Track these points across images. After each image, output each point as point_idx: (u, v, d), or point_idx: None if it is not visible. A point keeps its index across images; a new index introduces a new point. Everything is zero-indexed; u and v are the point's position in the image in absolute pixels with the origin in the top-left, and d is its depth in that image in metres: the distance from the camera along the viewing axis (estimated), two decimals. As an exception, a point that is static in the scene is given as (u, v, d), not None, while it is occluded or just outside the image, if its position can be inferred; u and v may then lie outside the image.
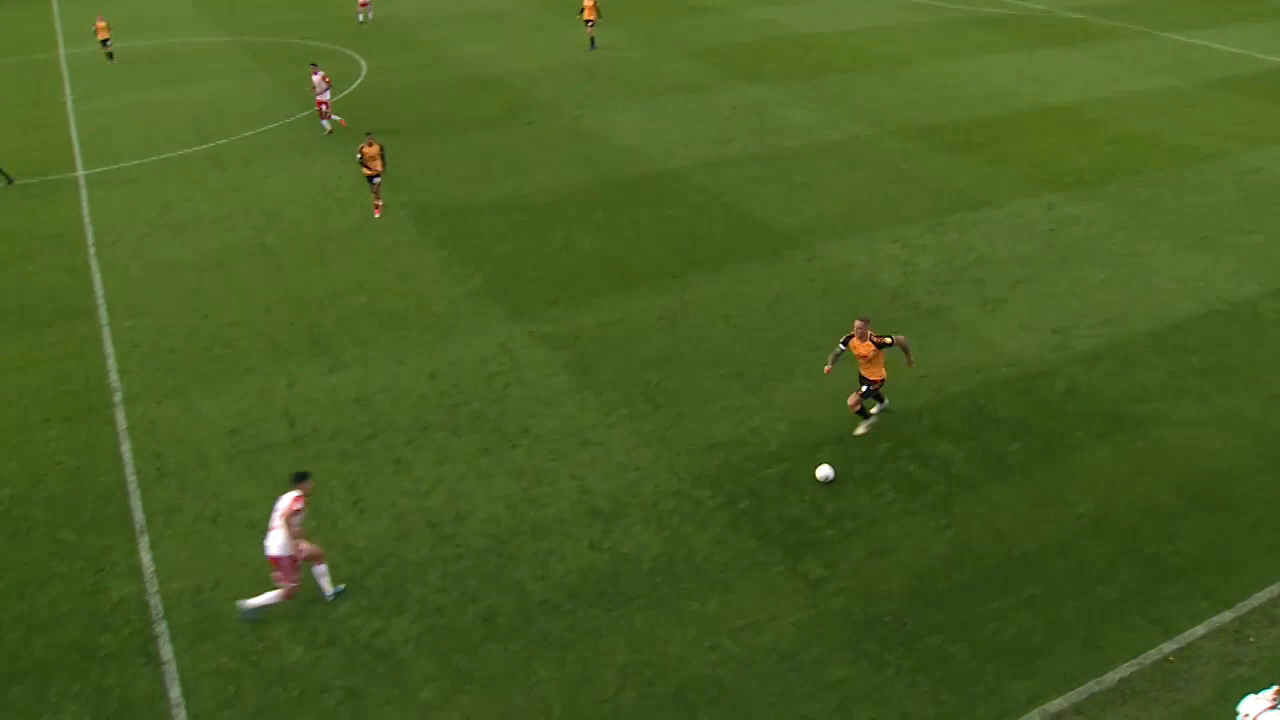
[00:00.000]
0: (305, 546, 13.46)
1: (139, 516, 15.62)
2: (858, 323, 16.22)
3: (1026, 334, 20.05)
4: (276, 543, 13.24)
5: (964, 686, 12.41)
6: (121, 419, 18.05)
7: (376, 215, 26.07)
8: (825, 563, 14.33)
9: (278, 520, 13.21)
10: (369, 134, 26.76)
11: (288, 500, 13.24)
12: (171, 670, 12.91)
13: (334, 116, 33.56)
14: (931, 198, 26.93)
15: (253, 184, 29.26)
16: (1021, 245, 23.92)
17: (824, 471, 15.88)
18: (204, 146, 32.81)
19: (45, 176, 30.57)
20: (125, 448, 17.24)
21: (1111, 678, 12.49)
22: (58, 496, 16.16)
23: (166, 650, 13.20)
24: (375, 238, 25.35)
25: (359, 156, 25.91)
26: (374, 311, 21.60)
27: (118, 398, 18.73)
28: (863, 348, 16.20)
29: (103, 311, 22.00)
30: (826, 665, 12.72)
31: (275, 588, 13.56)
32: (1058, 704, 12.15)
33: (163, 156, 31.92)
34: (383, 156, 26.03)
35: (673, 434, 17.22)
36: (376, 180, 26.06)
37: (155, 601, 13.99)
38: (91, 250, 25.16)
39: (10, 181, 29.85)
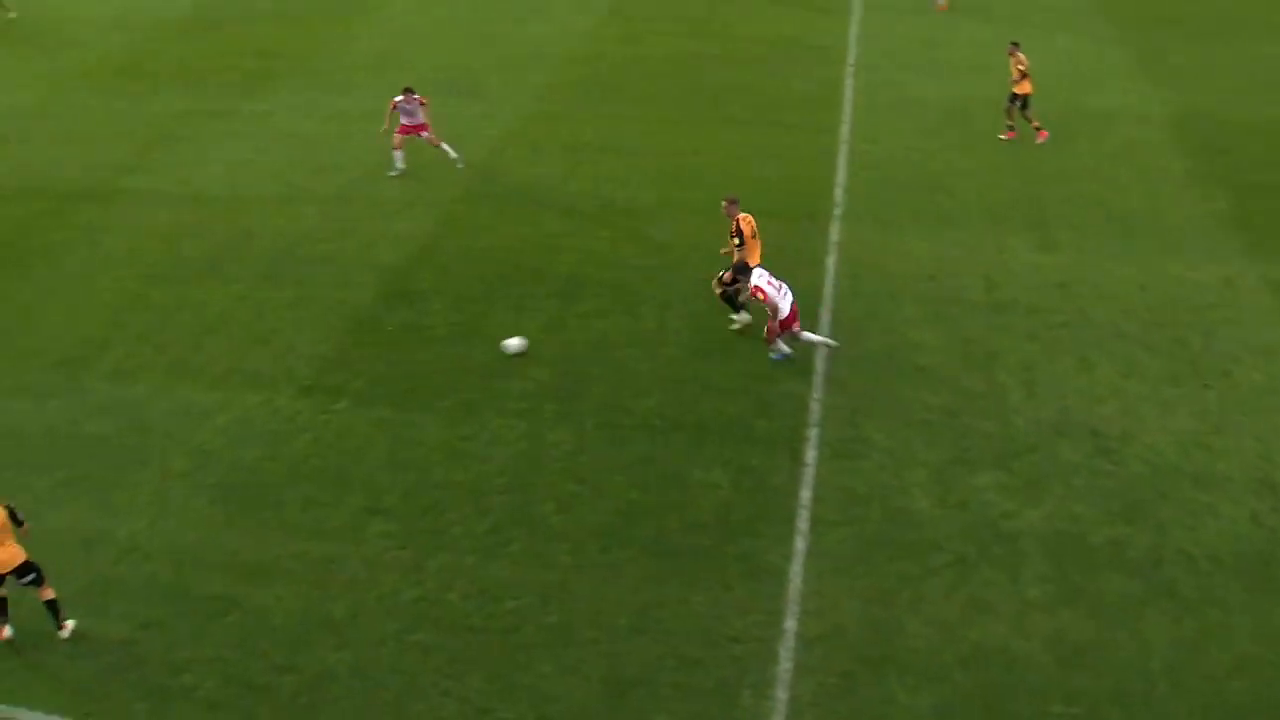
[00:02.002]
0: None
1: (823, 326, 17.08)
2: None
3: None
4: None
5: None
6: (835, 232, 19.66)
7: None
8: None
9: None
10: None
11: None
12: (809, 473, 14.28)
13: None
14: None
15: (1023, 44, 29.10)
16: None
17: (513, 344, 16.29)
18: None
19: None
20: (830, 259, 18.85)
21: None
22: (759, 281, 18.19)
23: (810, 454, 14.59)
24: (1125, 128, 24.15)
25: None
26: (1101, 203, 20.98)
27: (837, 211, 20.38)
28: None
29: (844, 129, 23.79)
30: None
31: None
32: None
33: (940, -5, 32.79)
34: None
35: None
36: None
37: (815, 408, 15.42)
38: (849, 69, 27.07)
39: None
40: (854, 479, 14.18)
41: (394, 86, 26.81)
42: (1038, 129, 23.28)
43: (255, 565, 13.44)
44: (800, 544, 13.24)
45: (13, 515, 12.26)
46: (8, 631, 12.69)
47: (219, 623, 12.69)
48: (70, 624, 12.72)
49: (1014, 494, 13.90)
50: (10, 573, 12.20)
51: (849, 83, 26.27)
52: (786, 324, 15.97)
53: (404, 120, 22.54)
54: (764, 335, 16.37)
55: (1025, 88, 23.04)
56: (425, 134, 22.67)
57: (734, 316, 17.22)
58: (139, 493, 14.75)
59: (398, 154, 22.64)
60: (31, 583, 12.42)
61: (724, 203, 17.06)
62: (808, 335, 16.29)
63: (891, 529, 13.39)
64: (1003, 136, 23.37)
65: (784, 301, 15.82)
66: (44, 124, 27.44)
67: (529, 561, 13.23)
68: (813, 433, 14.99)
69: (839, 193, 21.09)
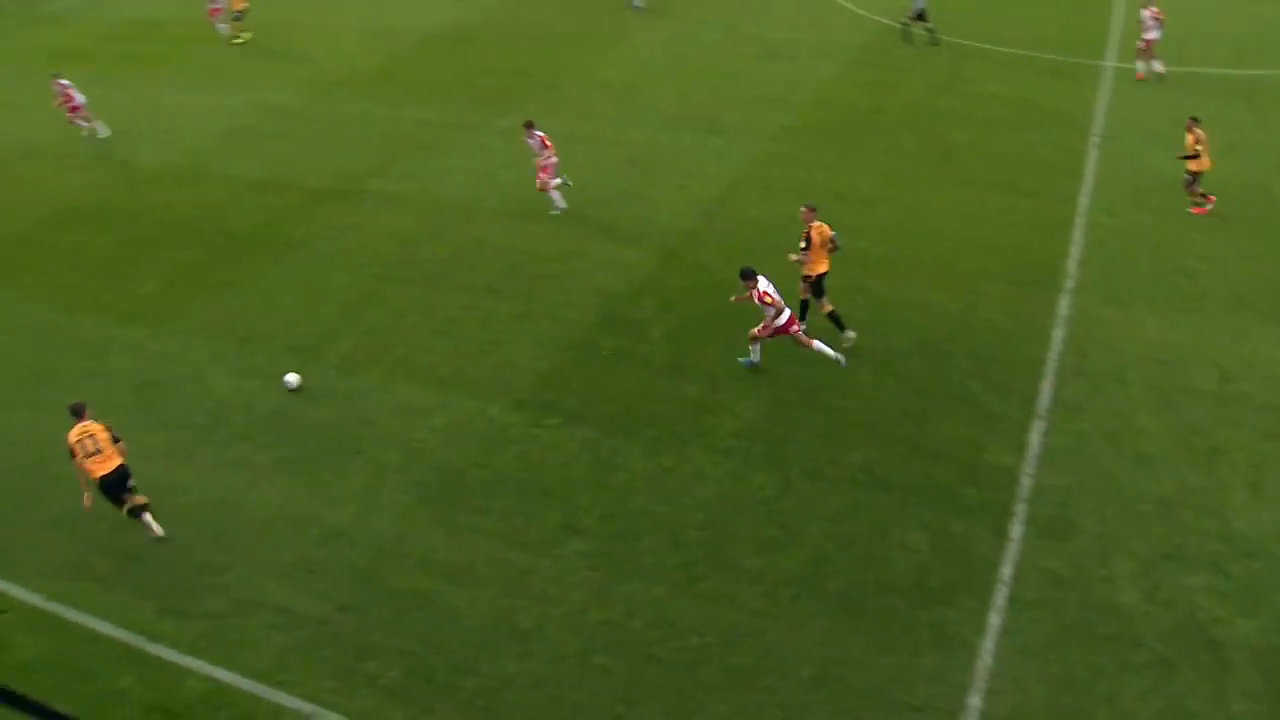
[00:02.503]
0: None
1: (1043, 400, 16.81)
2: None
3: None
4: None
5: None
6: (1064, 305, 19.22)
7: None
8: None
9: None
10: None
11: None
12: (1012, 549, 14.05)
13: None
14: None
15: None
16: None
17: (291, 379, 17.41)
18: (1239, 72, 31.64)
19: (1073, 58, 32.20)
20: (1057, 333, 18.43)
21: None
22: (980, 348, 18.07)
23: (1016, 530, 14.33)
24: None
25: None
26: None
27: (1068, 284, 19.91)
28: None
29: (1083, 200, 23.21)
30: None
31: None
32: None
33: (1194, 69, 31.54)
34: None
35: None
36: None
37: (1026, 482, 15.11)
38: (1094, 139, 26.34)
39: (935, 42, 32.88)
40: (1058, 561, 13.84)
41: (634, 116, 27.82)
42: (1200, 198, 22.27)
43: (451, 565, 14.19)
44: (995, 620, 13.06)
45: (112, 435, 14.55)
46: (158, 529, 14.72)
47: (410, 616, 13.47)
48: (157, 528, 14.68)
49: (1228, 600, 13.28)
50: (114, 475, 14.35)
51: (1092, 153, 25.55)
52: (785, 329, 16.79)
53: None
54: (751, 333, 17.16)
55: (1201, 165, 22.07)
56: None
57: (847, 334, 18.01)
58: (351, 481, 15.77)
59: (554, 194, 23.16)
60: (130, 489, 14.60)
61: (803, 209, 17.64)
62: (819, 345, 17.07)
63: (1092, 618, 13.02)
64: (1194, 210, 22.37)
65: (784, 314, 16.75)
66: (303, 124, 29.61)
67: (718, 600, 13.46)
68: (1020, 508, 14.71)
69: (1072, 265, 20.58)
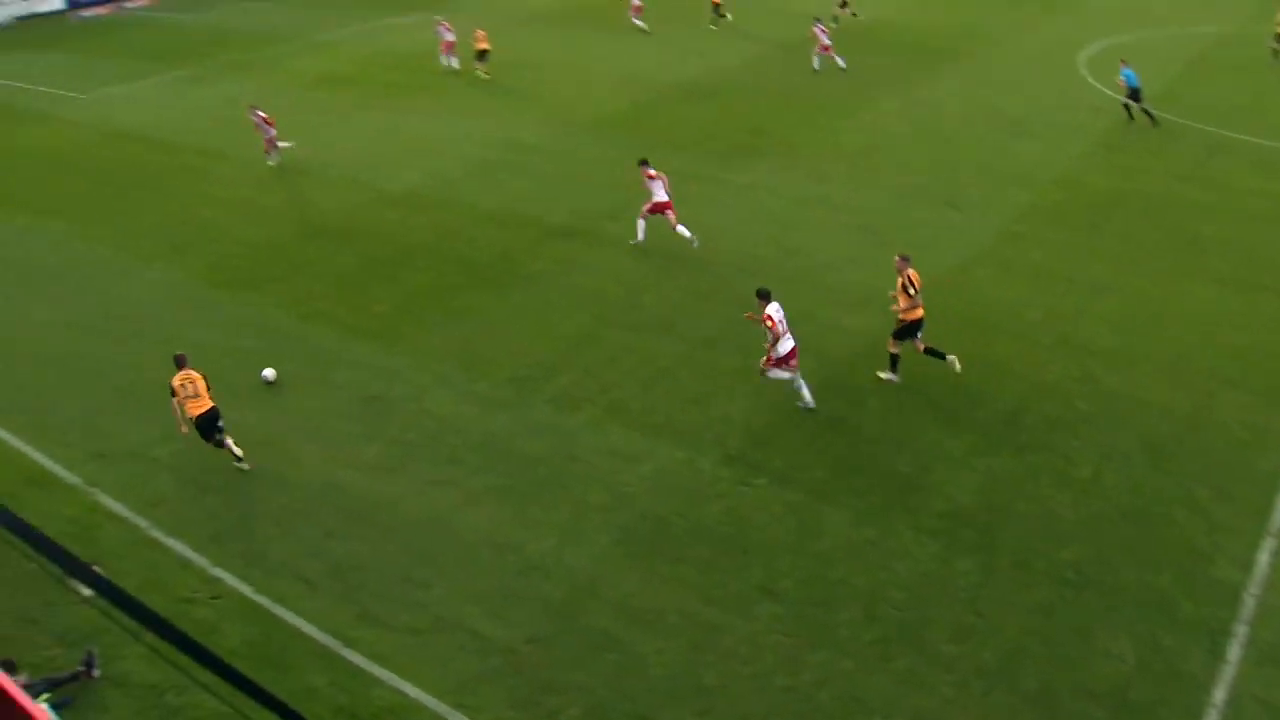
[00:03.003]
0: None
1: (1277, 518, 15.52)
2: None
3: None
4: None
5: None
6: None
7: None
8: None
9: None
10: None
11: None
12: (1228, 673, 13.06)
13: None
14: None
15: None
16: None
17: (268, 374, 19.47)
18: None
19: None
20: (1301, 451, 17.09)
21: None
22: (1211, 455, 17.00)
23: (1234, 653, 13.33)
24: None
25: None
26: None
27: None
28: None
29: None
30: None
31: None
32: None
33: None
34: None
35: None
36: None
37: (1249, 603, 14.09)
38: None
39: (1155, 123, 31.98)
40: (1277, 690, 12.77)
41: (869, 183, 27.70)
42: None
43: (643, 612, 14.22)
44: (1206, 749, 12.13)
45: (207, 382, 17.08)
46: (239, 453, 17.39)
47: (598, 657, 13.55)
48: (239, 452, 17.33)
49: None
50: (206, 416, 16.88)
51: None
52: (784, 360, 17.75)
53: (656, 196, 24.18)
54: (762, 361, 18.09)
55: None
56: (670, 213, 24.17)
57: (949, 358, 18.65)
58: (554, 515, 16.08)
59: (641, 224, 24.42)
60: (221, 429, 17.07)
61: (898, 259, 18.48)
62: (800, 382, 18.11)
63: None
64: None
65: (786, 342, 17.65)
66: (545, 162, 30.76)
67: (909, 682, 13.04)
68: (1241, 629, 13.64)
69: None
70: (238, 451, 17.31)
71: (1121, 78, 32.36)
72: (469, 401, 19.08)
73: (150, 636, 5.59)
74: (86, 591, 14.29)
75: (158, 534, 16.11)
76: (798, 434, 17.70)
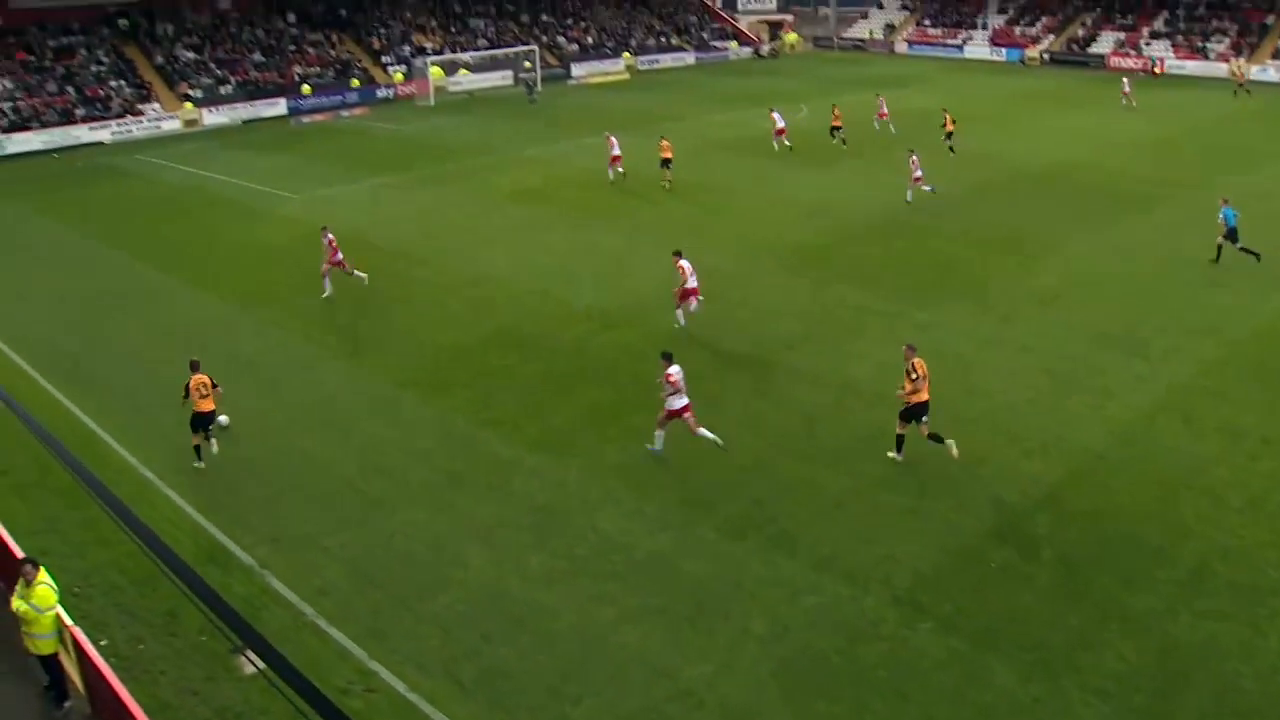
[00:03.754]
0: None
1: None
2: None
3: None
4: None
5: None
6: None
7: None
8: None
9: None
10: None
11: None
12: None
13: None
14: None
15: None
16: None
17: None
18: None
19: None
20: None
21: None
22: None
23: None
24: None
25: None
26: None
27: None
28: None
29: None
30: None
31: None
32: None
33: None
34: None
35: None
36: None
37: None
38: None
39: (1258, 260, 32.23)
40: None
41: (1056, 326, 27.69)
42: None
43: (796, 750, 14.28)
44: None
45: (214, 384, 21.46)
46: (215, 449, 21.97)
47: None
48: (215, 447, 22.05)
49: None
50: (207, 415, 21.52)
51: None
52: (678, 413, 21.38)
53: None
54: (659, 417, 21.69)
55: None
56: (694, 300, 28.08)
57: (948, 442, 20.92)
58: (712, 641, 16.40)
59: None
60: (211, 429, 21.85)
61: (905, 348, 21.17)
62: (702, 430, 21.42)
63: None
64: None
65: (680, 399, 21.33)
66: (729, 286, 31.71)
67: None
68: None
69: None
70: (214, 449, 21.84)
71: (1221, 217, 32.65)
72: (636, 520, 19.68)
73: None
74: (249, 669, 15.35)
75: (321, 622, 17.05)
76: (967, 579, 17.67)
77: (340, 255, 32.01)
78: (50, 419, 23.07)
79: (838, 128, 53.36)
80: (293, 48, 79.38)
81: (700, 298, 28.71)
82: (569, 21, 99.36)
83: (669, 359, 21.46)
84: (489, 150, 56.16)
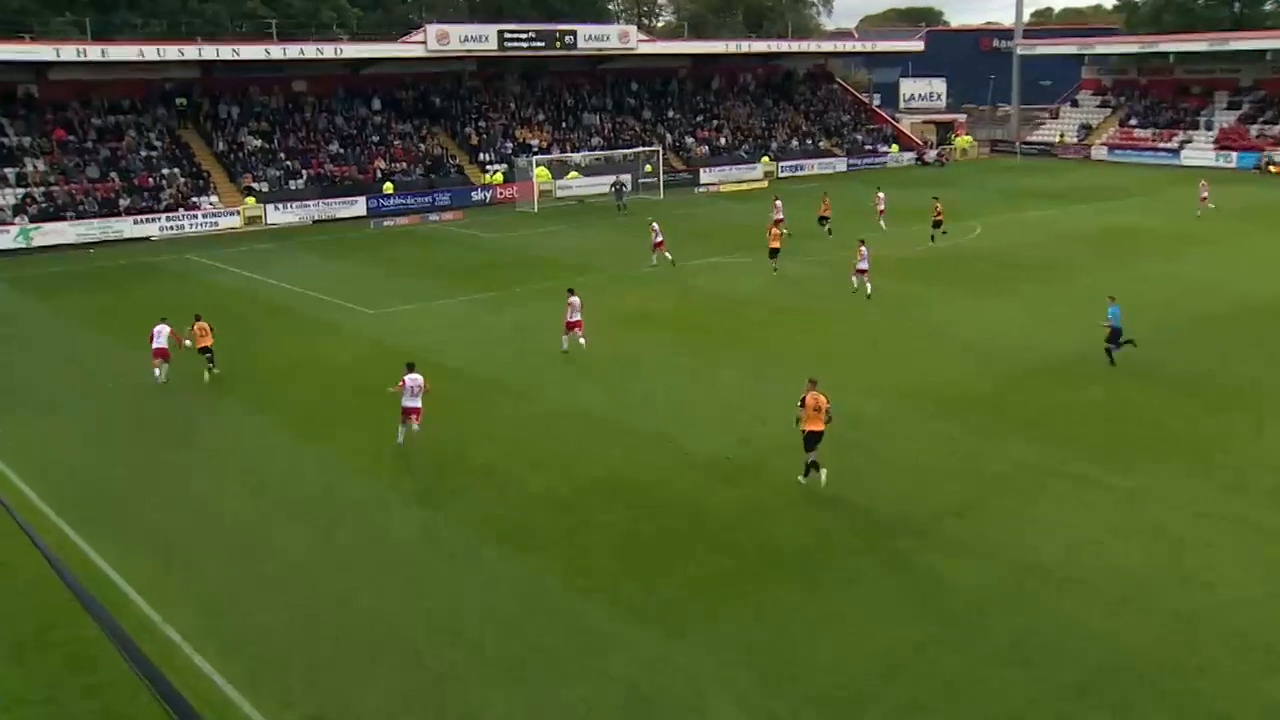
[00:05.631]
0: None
1: None
2: None
3: None
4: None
5: None
6: None
7: None
8: None
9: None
10: None
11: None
12: None
13: None
14: None
15: None
16: None
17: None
18: None
19: None
20: None
21: None
22: None
23: None
24: None
25: None
26: None
27: None
28: None
29: None
30: None
31: None
32: None
33: None
34: None
35: None
36: None
37: None
38: None
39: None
40: None
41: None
42: None
43: None
44: None
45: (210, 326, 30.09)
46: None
47: None
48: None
49: None
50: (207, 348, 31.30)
51: None
52: (408, 412, 30.46)
53: None
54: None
55: None
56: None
57: (822, 471, 27.43)
58: None
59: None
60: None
61: (809, 381, 27.63)
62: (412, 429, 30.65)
63: None
64: None
65: (412, 401, 30.44)
66: (882, 438, 31.10)
67: None
68: None
69: None
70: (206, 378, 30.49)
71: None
72: (759, 717, 18.89)
73: None
74: None
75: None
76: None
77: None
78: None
79: (825, 218, 61.52)
80: (376, 139, 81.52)
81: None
82: (699, 119, 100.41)
83: (411, 368, 30.74)
84: (597, 266, 56.81)
